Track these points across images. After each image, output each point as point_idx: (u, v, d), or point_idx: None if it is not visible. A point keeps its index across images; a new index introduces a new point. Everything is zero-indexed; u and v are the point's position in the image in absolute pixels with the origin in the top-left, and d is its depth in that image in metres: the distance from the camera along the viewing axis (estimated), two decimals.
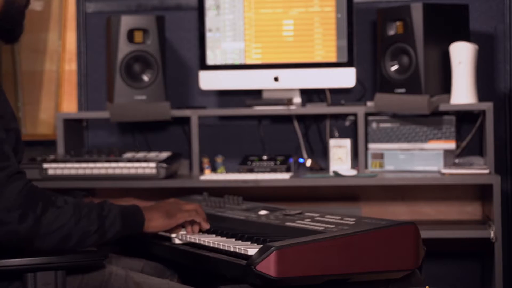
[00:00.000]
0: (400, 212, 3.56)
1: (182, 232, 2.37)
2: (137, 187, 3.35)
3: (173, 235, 2.35)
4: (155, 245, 2.39)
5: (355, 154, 3.54)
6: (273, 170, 3.48)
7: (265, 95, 3.64)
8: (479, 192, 3.52)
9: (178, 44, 3.83)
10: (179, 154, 3.53)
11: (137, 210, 2.22)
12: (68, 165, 3.34)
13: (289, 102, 3.56)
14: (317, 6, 3.56)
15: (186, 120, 3.69)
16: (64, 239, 2.00)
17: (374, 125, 3.54)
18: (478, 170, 3.25)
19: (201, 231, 2.37)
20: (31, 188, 1.97)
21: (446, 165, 3.39)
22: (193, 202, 2.47)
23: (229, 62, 3.63)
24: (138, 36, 3.57)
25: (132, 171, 3.32)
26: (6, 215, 1.92)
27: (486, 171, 3.24)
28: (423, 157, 3.43)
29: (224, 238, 2.22)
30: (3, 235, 1.94)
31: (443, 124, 3.47)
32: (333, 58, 3.55)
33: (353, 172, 3.37)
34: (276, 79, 3.59)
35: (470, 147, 3.59)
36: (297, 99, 3.61)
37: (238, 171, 3.52)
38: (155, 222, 2.25)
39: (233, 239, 2.18)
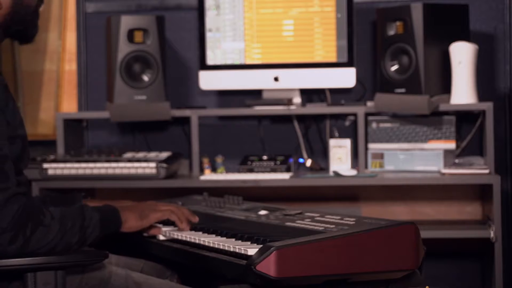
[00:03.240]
0: (400, 212, 3.56)
1: (166, 228, 2.41)
2: (137, 187, 3.35)
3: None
4: (155, 245, 2.39)
5: (355, 154, 3.54)
6: (273, 170, 3.48)
7: (265, 95, 3.64)
8: (479, 192, 3.52)
9: (178, 44, 3.83)
10: (179, 154, 3.53)
11: (115, 213, 2.27)
12: (68, 165, 3.34)
13: (289, 102, 3.55)
14: (317, 6, 3.56)
15: (186, 120, 3.68)
16: (48, 251, 2.04)
17: (374, 125, 3.54)
18: (478, 170, 3.25)
19: (194, 229, 2.39)
20: (24, 209, 1.98)
21: (446, 165, 3.39)
22: (170, 203, 2.51)
23: (229, 62, 3.63)
24: (138, 36, 3.57)
25: (132, 171, 3.32)
26: None
27: (486, 171, 3.24)
28: (423, 157, 3.43)
29: (224, 238, 2.22)
30: None
31: (443, 124, 3.47)
32: (333, 58, 3.55)
33: (353, 172, 3.37)
34: (276, 79, 3.59)
35: (470, 147, 3.59)
36: (297, 99, 3.61)
37: (238, 171, 3.52)
38: (129, 223, 2.31)
39: (233, 239, 2.18)
